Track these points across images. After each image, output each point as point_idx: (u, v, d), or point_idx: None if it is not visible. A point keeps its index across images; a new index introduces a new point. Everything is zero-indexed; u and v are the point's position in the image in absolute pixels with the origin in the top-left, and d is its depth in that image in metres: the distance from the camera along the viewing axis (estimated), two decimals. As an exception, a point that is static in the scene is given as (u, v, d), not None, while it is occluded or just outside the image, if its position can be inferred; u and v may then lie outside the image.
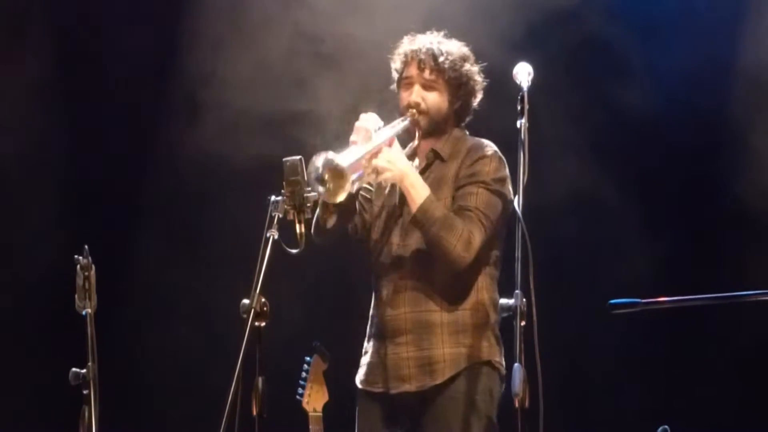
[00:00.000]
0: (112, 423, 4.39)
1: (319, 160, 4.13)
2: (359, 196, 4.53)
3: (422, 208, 4.33)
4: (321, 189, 4.13)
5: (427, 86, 4.50)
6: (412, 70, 4.53)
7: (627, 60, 6.25)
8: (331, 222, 4.38)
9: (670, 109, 6.31)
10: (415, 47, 4.55)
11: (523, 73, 4.06)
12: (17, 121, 6.37)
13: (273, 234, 3.93)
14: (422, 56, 4.51)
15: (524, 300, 3.64)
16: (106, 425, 4.18)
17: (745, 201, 6.07)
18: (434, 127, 4.52)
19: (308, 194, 4.00)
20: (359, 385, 4.58)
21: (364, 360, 4.58)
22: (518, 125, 3.91)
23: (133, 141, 6.54)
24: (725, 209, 6.17)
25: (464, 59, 4.55)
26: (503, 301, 3.66)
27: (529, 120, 3.94)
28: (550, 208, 6.04)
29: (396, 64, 4.60)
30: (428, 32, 4.58)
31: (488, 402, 4.40)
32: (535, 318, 3.65)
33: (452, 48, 4.54)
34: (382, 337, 4.50)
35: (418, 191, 4.36)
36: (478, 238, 4.34)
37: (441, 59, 4.49)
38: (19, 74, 6.43)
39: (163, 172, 6.41)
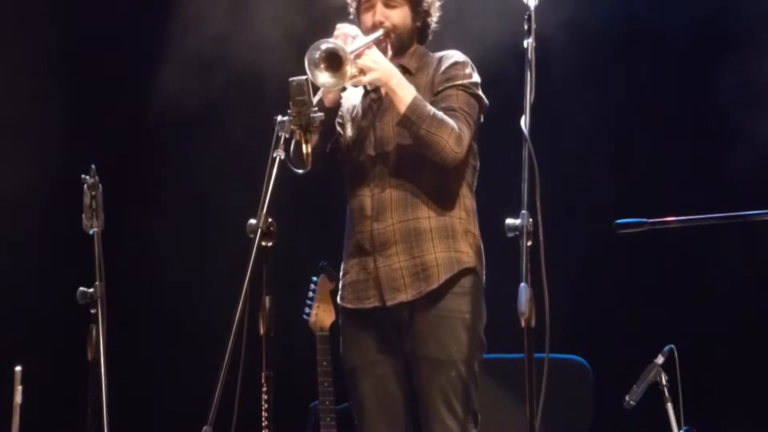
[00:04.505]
0: (119, 342, 4.43)
1: (320, 46, 4.17)
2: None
3: (411, 106, 4.33)
4: (322, 75, 4.18)
5: (388, 5, 4.53)
6: None
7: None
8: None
9: (673, 26, 6.28)
10: None
11: (531, -7, 4.02)
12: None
13: (279, 154, 3.93)
14: None
15: (530, 220, 3.64)
16: (114, 344, 4.22)
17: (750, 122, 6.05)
18: (400, 43, 4.56)
19: (314, 114, 3.99)
20: (347, 305, 4.56)
21: (348, 279, 4.57)
22: (525, 45, 3.88)
23: (137, 60, 6.52)
24: (730, 130, 6.14)
25: None
26: (509, 221, 3.65)
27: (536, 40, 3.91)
28: (552, 128, 6.03)
29: None
30: None
31: (478, 319, 4.45)
32: (541, 238, 3.65)
33: None
34: (367, 252, 4.49)
35: (405, 90, 4.36)
36: (467, 134, 4.40)
37: None
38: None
39: (168, 91, 6.38)
